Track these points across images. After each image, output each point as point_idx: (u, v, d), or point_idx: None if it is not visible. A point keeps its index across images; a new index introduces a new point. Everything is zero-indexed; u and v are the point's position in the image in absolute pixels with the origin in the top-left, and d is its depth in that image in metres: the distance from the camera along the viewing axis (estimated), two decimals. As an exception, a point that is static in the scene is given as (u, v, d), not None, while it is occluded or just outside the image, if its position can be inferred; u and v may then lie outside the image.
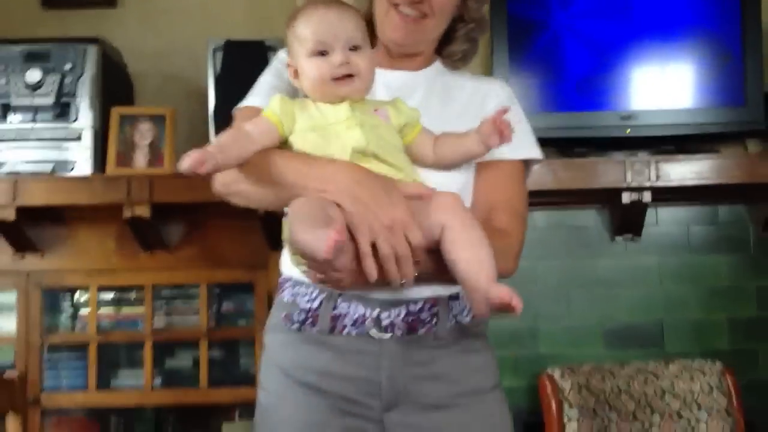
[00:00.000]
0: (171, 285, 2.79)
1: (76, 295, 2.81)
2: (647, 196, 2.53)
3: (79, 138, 2.57)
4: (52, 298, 2.79)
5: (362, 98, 1.36)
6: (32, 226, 2.64)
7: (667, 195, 2.63)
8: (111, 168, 2.57)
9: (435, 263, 1.27)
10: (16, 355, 2.67)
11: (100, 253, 2.74)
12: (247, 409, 2.77)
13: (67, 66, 2.58)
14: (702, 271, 2.77)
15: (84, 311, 2.79)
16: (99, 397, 2.72)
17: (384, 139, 1.33)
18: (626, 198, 2.54)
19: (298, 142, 1.32)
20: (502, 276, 1.33)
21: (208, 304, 2.77)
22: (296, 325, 1.41)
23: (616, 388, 2.45)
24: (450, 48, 1.56)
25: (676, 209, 2.78)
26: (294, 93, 1.41)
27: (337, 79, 1.31)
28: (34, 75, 2.55)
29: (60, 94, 2.57)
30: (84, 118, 2.57)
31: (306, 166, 1.29)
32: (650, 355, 2.68)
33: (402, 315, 1.37)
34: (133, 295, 2.80)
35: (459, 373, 1.42)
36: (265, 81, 1.53)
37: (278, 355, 1.44)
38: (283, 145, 1.33)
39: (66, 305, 2.81)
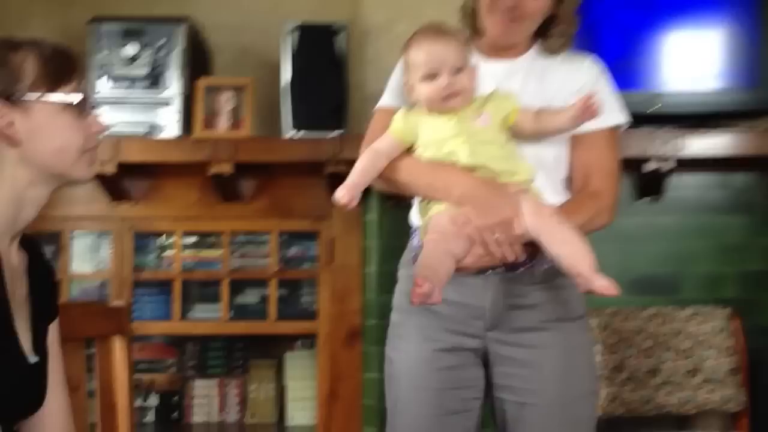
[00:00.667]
0: (245, 232, 3.08)
1: (162, 238, 3.11)
2: (670, 165, 2.72)
3: (168, 104, 2.87)
4: (142, 240, 3.09)
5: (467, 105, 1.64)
6: (127, 178, 2.93)
7: (687, 164, 2.78)
8: (198, 131, 2.87)
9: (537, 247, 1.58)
10: (110, 287, 3.03)
11: (184, 203, 3.03)
12: (307, 340, 3.15)
13: (160, 42, 2.86)
14: (716, 230, 2.91)
15: (168, 253, 3.10)
16: (181, 326, 3.06)
17: (488, 147, 1.61)
18: (651, 166, 2.73)
19: (421, 152, 1.65)
20: (601, 228, 1.69)
21: (277, 249, 3.07)
22: None
23: (636, 328, 2.65)
24: (546, 42, 1.78)
25: (696, 176, 2.92)
26: None
27: (445, 98, 1.61)
28: (131, 49, 2.85)
29: (153, 65, 2.86)
30: (173, 87, 2.86)
31: (432, 176, 1.62)
32: (667, 302, 2.82)
33: None
34: (212, 240, 3.10)
35: (548, 304, 1.70)
36: (395, 81, 1.81)
37: (406, 285, 1.77)
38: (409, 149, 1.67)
39: (153, 247, 3.12)
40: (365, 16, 3.05)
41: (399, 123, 1.67)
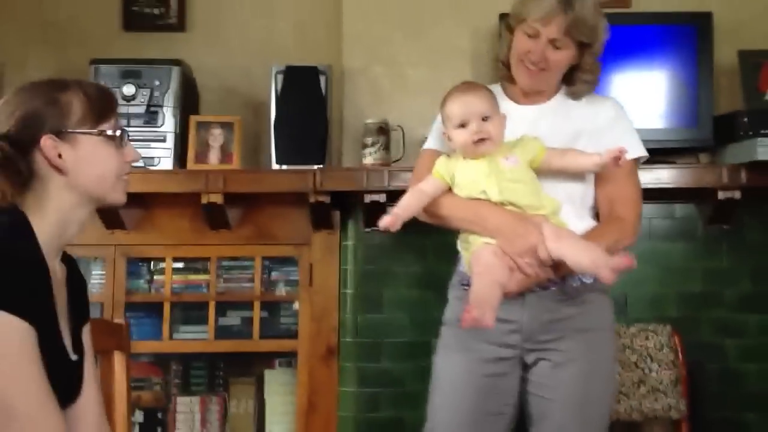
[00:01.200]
0: (231, 257, 3.30)
1: (152, 264, 3.32)
2: None
3: (164, 140, 3.08)
4: (134, 266, 3.29)
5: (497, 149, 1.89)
6: (122, 208, 3.06)
7: None
8: (191, 164, 3.09)
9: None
10: (103, 311, 3.19)
11: (175, 230, 3.23)
12: (285, 359, 3.36)
13: (156, 82, 3.10)
14: (659, 255, 3.12)
15: (158, 277, 3.30)
16: (170, 345, 3.26)
17: (516, 186, 1.85)
18: None
19: (459, 191, 1.92)
20: (627, 246, 1.91)
21: (261, 273, 3.28)
22: (465, 286, 1.97)
23: None
24: (571, 88, 2.03)
25: (643, 206, 3.07)
26: None
27: (475, 142, 1.87)
28: (129, 89, 3.07)
29: (149, 104, 3.08)
30: (168, 123, 3.08)
31: (468, 212, 1.89)
32: (616, 320, 2.82)
33: None
34: (200, 265, 3.31)
35: (577, 317, 1.93)
36: (436, 128, 2.08)
37: (453, 304, 2.04)
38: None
39: (145, 272, 3.33)
40: (345, 59, 3.30)
41: (440, 167, 1.94)
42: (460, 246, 2.01)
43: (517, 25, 1.98)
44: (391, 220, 1.86)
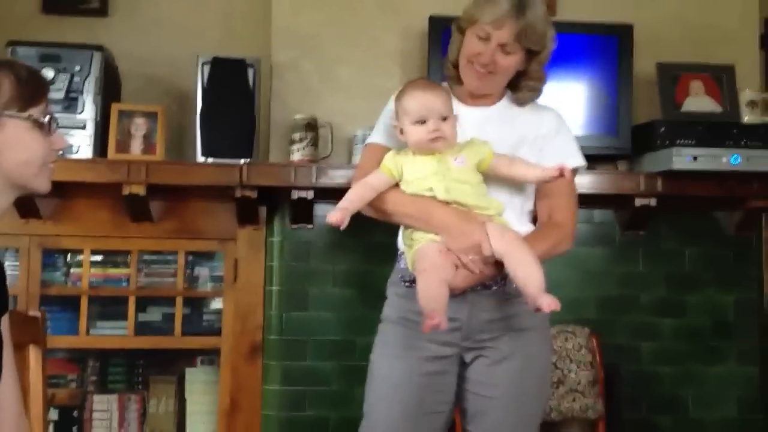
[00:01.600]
0: (153, 251, 3.22)
1: (69, 256, 3.22)
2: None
3: (83, 127, 2.98)
4: (50, 257, 3.19)
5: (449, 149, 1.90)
6: (38, 196, 2.90)
7: None
8: (112, 153, 3.00)
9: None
10: (17, 304, 3.07)
11: (94, 222, 3.15)
12: (207, 357, 3.31)
13: (76, 68, 2.99)
14: (578, 259, 3.17)
15: (75, 270, 3.21)
16: (87, 340, 3.17)
17: (462, 186, 1.87)
18: None
19: (406, 186, 1.91)
20: (562, 254, 2.00)
21: (184, 268, 3.22)
22: (407, 283, 1.97)
23: None
24: (516, 94, 2.05)
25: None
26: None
27: (431, 140, 1.87)
28: (48, 73, 2.93)
29: (69, 90, 2.98)
30: (88, 110, 2.99)
31: (413, 208, 1.89)
32: None
33: None
34: (120, 259, 3.23)
35: (518, 317, 1.95)
36: (383, 123, 2.06)
37: (393, 300, 2.03)
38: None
39: (60, 264, 3.22)
40: (274, 53, 3.26)
41: (388, 162, 1.93)
42: (402, 243, 2.01)
43: (468, 27, 2.01)
44: (339, 216, 1.83)
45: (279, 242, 3.17)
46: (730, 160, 2.99)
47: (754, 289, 3.32)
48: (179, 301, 3.22)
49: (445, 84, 2.10)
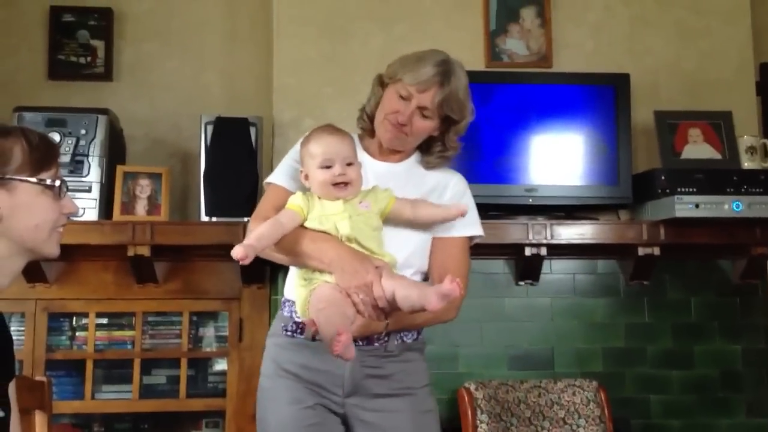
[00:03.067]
0: (157, 312, 3.20)
1: (75, 319, 3.19)
2: (544, 251, 3.04)
3: (89, 190, 3.02)
4: (56, 321, 3.17)
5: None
6: (45, 260, 2.99)
7: (559, 251, 3.12)
8: (117, 215, 3.02)
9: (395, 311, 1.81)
10: (23, 368, 3.05)
11: (99, 284, 3.15)
12: (212, 420, 3.28)
13: (82, 131, 3.04)
14: (584, 310, 3.21)
15: (81, 333, 3.19)
16: (93, 405, 3.14)
17: (365, 228, 1.85)
18: (528, 252, 3.04)
19: (310, 225, 1.87)
20: (446, 321, 1.97)
21: (188, 328, 3.20)
22: (289, 333, 1.95)
23: (517, 399, 2.90)
24: (426, 158, 2.06)
25: (566, 262, 3.23)
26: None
27: (336, 184, 1.86)
28: (54, 137, 2.95)
29: (75, 153, 3.01)
30: (94, 173, 3.03)
31: (309, 244, 1.84)
32: (543, 374, 3.09)
33: None
34: (125, 321, 3.21)
35: (399, 375, 1.94)
36: (287, 164, 2.04)
37: (274, 352, 1.99)
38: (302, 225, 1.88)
39: (66, 328, 3.21)
40: (275, 112, 3.31)
41: (299, 200, 1.89)
42: (290, 290, 1.97)
43: (391, 83, 2.01)
44: (243, 252, 1.75)
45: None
46: (732, 207, 3.00)
47: (761, 339, 3.29)
48: (184, 362, 3.20)
49: (352, 134, 2.07)
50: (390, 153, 2.06)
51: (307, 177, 1.92)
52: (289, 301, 1.99)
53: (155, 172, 3.13)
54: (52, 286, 3.14)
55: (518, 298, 3.23)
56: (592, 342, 3.23)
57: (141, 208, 3.08)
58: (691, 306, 3.28)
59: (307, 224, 1.89)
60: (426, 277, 2.04)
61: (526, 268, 3.16)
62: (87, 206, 3.02)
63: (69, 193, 2.78)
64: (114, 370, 3.21)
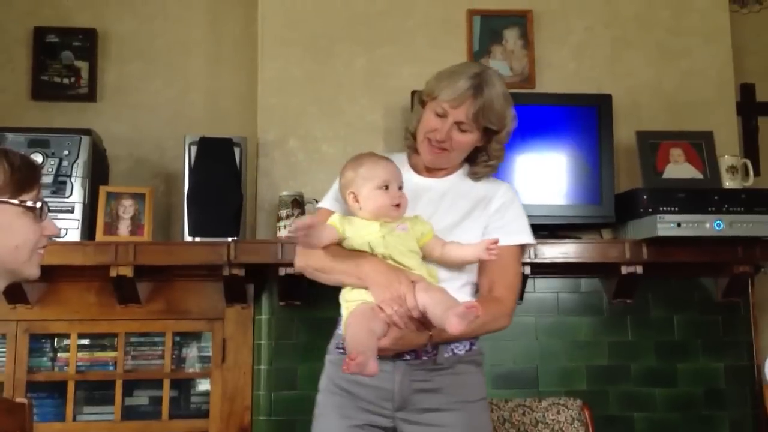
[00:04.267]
0: (140, 333, 3.19)
1: (56, 340, 3.17)
2: (528, 270, 3.03)
3: (71, 210, 3.00)
4: (37, 342, 3.15)
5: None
6: (23, 282, 3.02)
7: (543, 269, 3.13)
8: (100, 236, 3.01)
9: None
10: (4, 390, 3.03)
11: (81, 305, 3.13)
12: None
13: (65, 152, 3.03)
14: (568, 329, 3.21)
15: (62, 355, 3.16)
16: (74, 427, 3.10)
17: (399, 246, 1.87)
18: None
19: (346, 243, 1.92)
20: (499, 330, 1.97)
21: (171, 349, 3.18)
22: (341, 350, 1.97)
23: (502, 418, 2.89)
24: (473, 169, 2.08)
25: (549, 280, 3.24)
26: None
27: (393, 205, 1.90)
28: (36, 159, 2.94)
29: (58, 174, 3.00)
30: (77, 194, 3.01)
31: (347, 260, 1.88)
32: (528, 393, 3.10)
33: None
34: (107, 342, 3.19)
35: (450, 388, 1.93)
36: (333, 191, 2.08)
37: (329, 368, 2.02)
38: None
39: (48, 349, 3.18)
40: (260, 132, 3.31)
41: (335, 220, 1.94)
42: (341, 305, 1.99)
43: (428, 101, 2.04)
44: (308, 223, 1.86)
45: (267, 320, 3.16)
46: (714, 225, 3.02)
47: (744, 356, 3.30)
48: (167, 383, 3.17)
49: (401, 154, 2.14)
50: (435, 169, 2.08)
51: (356, 198, 1.94)
52: (342, 319, 2.00)
53: (138, 193, 3.12)
54: (33, 307, 3.11)
55: (502, 317, 3.23)
56: (576, 360, 3.23)
57: (124, 228, 3.06)
58: (674, 324, 3.29)
59: (346, 243, 1.93)
60: (476, 289, 2.05)
61: (511, 287, 3.17)
62: (69, 227, 3.00)
63: (51, 213, 2.79)
64: (96, 391, 3.19)
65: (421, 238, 1.94)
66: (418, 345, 1.90)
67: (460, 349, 1.97)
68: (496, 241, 1.87)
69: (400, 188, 1.93)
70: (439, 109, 1.99)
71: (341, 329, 1.99)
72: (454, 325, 1.70)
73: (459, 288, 1.98)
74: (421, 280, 1.86)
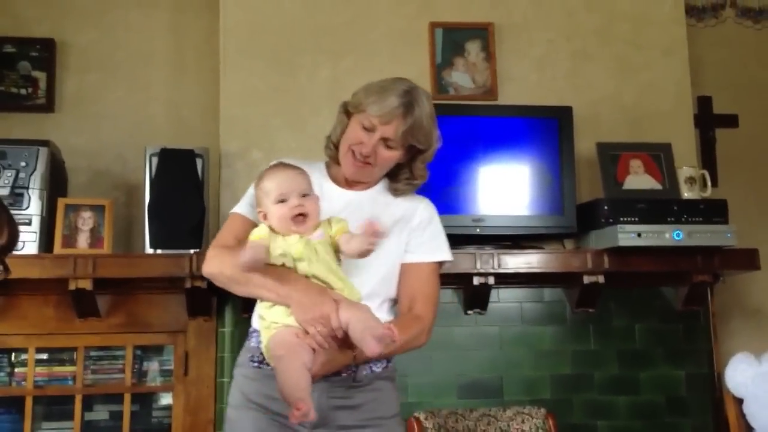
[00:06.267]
0: (100, 347, 3.12)
1: (14, 354, 3.09)
2: (491, 280, 3.06)
3: (29, 223, 2.94)
4: (-8, 357, 3.06)
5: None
6: None
7: (506, 279, 3.14)
8: (58, 248, 2.95)
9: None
10: None
11: (39, 319, 3.07)
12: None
13: (22, 164, 2.97)
14: (531, 338, 3.23)
15: (20, 369, 3.08)
16: (32, 445, 3.01)
17: (322, 265, 1.82)
18: (476, 281, 3.05)
19: (273, 261, 1.84)
20: (418, 347, 1.94)
21: (132, 363, 3.12)
22: (256, 364, 1.92)
23: (467, 428, 2.89)
24: (394, 185, 2.04)
25: (513, 290, 3.25)
26: None
27: (294, 218, 1.83)
28: None
29: (14, 186, 2.94)
30: (34, 206, 2.96)
31: (269, 277, 1.81)
32: (493, 402, 3.09)
33: None
34: (66, 356, 3.12)
35: (369, 405, 1.91)
36: (250, 195, 2.00)
37: (241, 382, 1.95)
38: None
39: (4, 364, 3.10)
40: (222, 143, 3.29)
41: (261, 231, 1.86)
42: (256, 321, 1.96)
43: (355, 113, 2.01)
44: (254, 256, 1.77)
45: (230, 332, 3.13)
46: (673, 235, 3.06)
47: (704, 364, 3.35)
48: (127, 398, 3.12)
49: (320, 163, 2.09)
50: (355, 182, 2.04)
51: (265, 216, 1.88)
52: (256, 331, 1.95)
53: (98, 204, 3.08)
54: (-12, 321, 3.04)
55: (467, 327, 3.23)
56: (540, 369, 3.25)
57: (83, 240, 3.02)
58: (635, 333, 3.33)
59: (272, 260, 1.86)
60: (395, 303, 2.02)
61: (475, 297, 3.18)
62: (27, 239, 2.94)
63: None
64: (54, 406, 3.12)
65: (334, 236, 1.88)
66: (343, 366, 1.88)
67: (378, 366, 1.96)
68: (374, 222, 1.81)
69: (305, 195, 1.87)
70: (366, 122, 1.96)
71: (255, 342, 1.95)
72: (371, 347, 1.70)
73: (378, 305, 1.95)
74: (342, 298, 1.82)
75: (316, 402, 1.83)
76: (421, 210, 2.05)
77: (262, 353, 1.90)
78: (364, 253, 1.84)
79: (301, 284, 1.81)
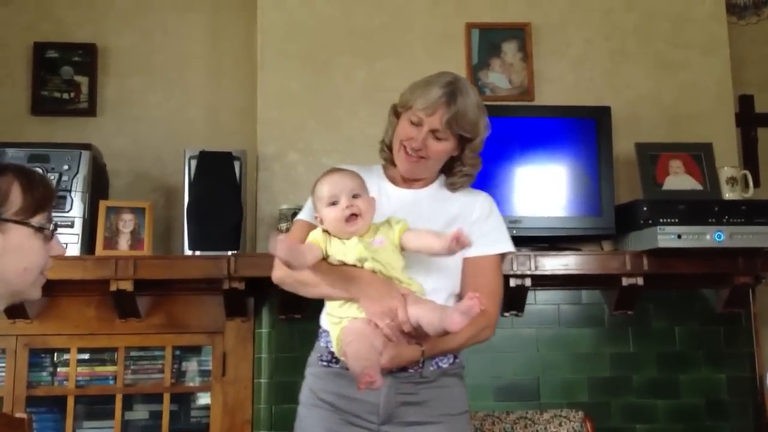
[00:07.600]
0: (140, 347, 3.17)
1: (56, 355, 3.15)
2: (528, 282, 3.03)
3: (71, 225, 3.00)
4: (37, 357, 3.13)
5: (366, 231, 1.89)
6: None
7: (543, 281, 3.12)
8: (99, 250, 3.01)
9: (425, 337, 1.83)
10: (3, 405, 3.01)
11: (81, 319, 3.11)
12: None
13: (65, 167, 3.03)
14: (569, 341, 3.21)
15: (62, 369, 3.14)
16: (75, 443, 3.06)
17: (383, 262, 1.85)
18: (513, 283, 3.03)
19: (334, 261, 1.89)
20: (483, 341, 1.97)
21: (171, 363, 3.16)
22: (325, 362, 1.97)
23: (503, 431, 2.86)
24: (450, 179, 2.07)
25: (550, 292, 3.23)
26: None
27: (347, 220, 1.87)
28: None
29: (57, 189, 2.97)
30: (77, 209, 3.01)
31: (337, 274, 1.87)
32: (529, 405, 3.08)
33: None
34: (107, 356, 3.17)
35: (435, 401, 1.93)
36: (310, 205, 2.05)
37: (311, 381, 2.00)
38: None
39: (47, 364, 3.16)
40: (260, 145, 3.31)
41: (317, 236, 1.91)
42: (325, 321, 1.99)
43: (403, 111, 2.05)
44: (289, 246, 1.82)
45: (267, 333, 3.15)
46: (714, 237, 3.01)
47: (746, 367, 3.29)
48: (167, 397, 3.16)
49: (377, 166, 2.12)
50: (412, 180, 2.08)
51: (321, 221, 1.93)
52: (325, 331, 2.00)
53: (138, 207, 3.12)
54: (33, 321, 3.10)
55: (504, 329, 3.21)
56: (577, 372, 3.22)
57: (124, 242, 3.06)
58: (675, 335, 3.28)
59: (330, 260, 1.91)
60: (460, 299, 2.02)
61: (512, 299, 3.16)
62: (69, 241, 2.99)
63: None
64: (96, 406, 3.17)
65: (395, 240, 1.90)
66: (413, 361, 1.90)
67: (444, 362, 1.98)
68: (462, 231, 1.83)
69: (356, 196, 1.89)
70: (414, 117, 2.00)
71: (324, 342, 1.99)
72: (456, 323, 1.71)
73: (444, 300, 1.98)
74: (410, 293, 1.85)
75: (384, 398, 1.89)
76: (480, 203, 2.09)
77: (330, 352, 1.94)
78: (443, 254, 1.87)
79: (368, 278, 1.85)
